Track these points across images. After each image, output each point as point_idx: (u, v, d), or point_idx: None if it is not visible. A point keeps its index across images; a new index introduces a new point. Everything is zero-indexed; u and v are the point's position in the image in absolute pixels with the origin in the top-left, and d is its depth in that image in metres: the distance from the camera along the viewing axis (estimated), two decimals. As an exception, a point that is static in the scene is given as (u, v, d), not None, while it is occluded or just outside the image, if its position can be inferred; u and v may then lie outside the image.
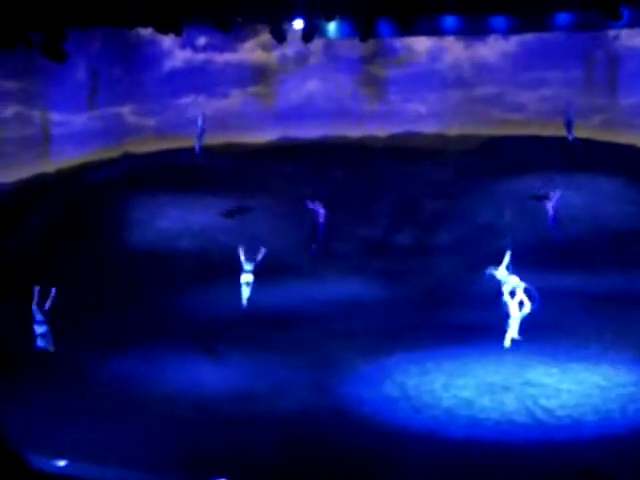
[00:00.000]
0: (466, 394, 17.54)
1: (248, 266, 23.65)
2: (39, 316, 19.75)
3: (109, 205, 28.59)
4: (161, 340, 21.07)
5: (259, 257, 23.60)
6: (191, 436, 15.89)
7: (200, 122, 31.51)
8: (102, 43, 31.15)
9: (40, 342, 19.81)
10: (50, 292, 19.72)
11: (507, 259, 21.05)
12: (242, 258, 23.60)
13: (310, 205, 27.93)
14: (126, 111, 32.35)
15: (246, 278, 23.71)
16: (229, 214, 28.02)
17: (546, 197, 27.92)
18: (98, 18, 24.38)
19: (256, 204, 27.69)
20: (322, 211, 27.84)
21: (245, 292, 23.75)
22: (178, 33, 25.31)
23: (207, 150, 31.54)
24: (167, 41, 31.78)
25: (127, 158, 31.49)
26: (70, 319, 20.77)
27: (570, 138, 31.33)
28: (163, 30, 25.19)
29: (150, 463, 14.72)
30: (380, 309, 23.62)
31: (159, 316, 23.03)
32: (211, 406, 17.25)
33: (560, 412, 16.56)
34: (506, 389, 17.70)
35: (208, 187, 28.84)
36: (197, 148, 31.48)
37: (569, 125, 31.45)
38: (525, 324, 20.97)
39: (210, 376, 18.93)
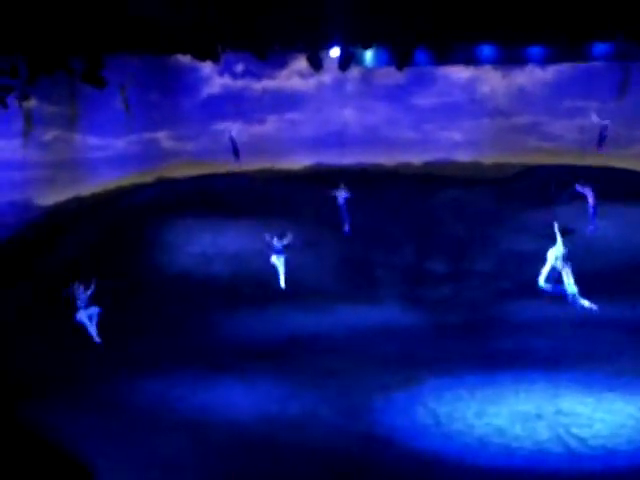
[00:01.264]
0: (499, 422, 17.43)
1: (278, 244, 24.53)
2: (81, 303, 20.46)
3: (143, 229, 28.76)
4: (193, 363, 21.16)
5: (285, 241, 24.55)
6: (223, 459, 15.93)
7: (233, 139, 31.60)
8: (141, 69, 31.40)
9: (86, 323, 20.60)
10: (90, 282, 20.77)
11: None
12: (271, 241, 24.43)
13: (334, 193, 28.10)
14: (162, 136, 32.54)
15: (275, 259, 24.52)
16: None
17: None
18: (137, 45, 24.74)
19: (290, 230, 27.68)
20: (344, 195, 27.95)
21: (280, 270, 24.48)
22: (216, 60, 25.57)
23: (242, 175, 31.65)
24: (206, 68, 31.96)
25: (162, 183, 31.64)
26: (103, 341, 20.90)
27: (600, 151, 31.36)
28: (201, 58, 25.45)
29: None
30: (413, 336, 23.56)
31: (192, 340, 23.12)
32: (242, 430, 17.29)
33: (593, 442, 16.40)
34: (539, 417, 17.56)
35: (242, 212, 28.92)
36: (236, 160, 31.55)
37: (602, 139, 31.39)
38: (559, 352, 20.96)
39: (241, 400, 18.97)
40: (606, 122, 31.21)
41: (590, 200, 27.28)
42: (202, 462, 15.89)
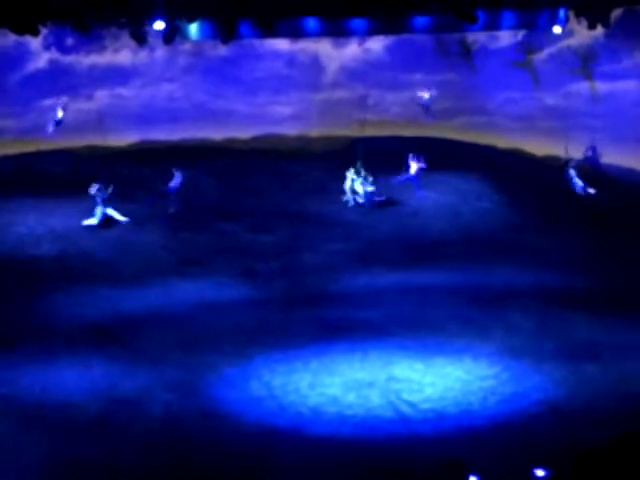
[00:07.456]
0: (332, 391, 17.70)
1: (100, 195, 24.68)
2: None
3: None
4: (22, 345, 20.64)
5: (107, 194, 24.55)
6: (56, 442, 15.66)
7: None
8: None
9: None
10: None
11: None
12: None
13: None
14: (-16, 113, 31.51)
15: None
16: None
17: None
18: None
19: (118, 208, 27.26)
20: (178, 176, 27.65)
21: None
22: (34, 34, 24.78)
23: (69, 153, 31.00)
24: (32, 42, 30.99)
25: (-17, 162, 30.68)
26: None
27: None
28: (18, 31, 24.66)
29: (13, 470, 14.47)
30: (246, 309, 23.53)
31: (20, 321, 22.52)
32: (75, 410, 17.04)
33: (423, 406, 16.86)
34: (371, 385, 17.91)
35: (69, 190, 28.25)
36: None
37: (426, 109, 32.06)
38: (390, 320, 21.36)
39: (73, 381, 18.63)
40: (423, 94, 31.74)
41: (414, 170, 27.93)
42: (34, 445, 15.58)
